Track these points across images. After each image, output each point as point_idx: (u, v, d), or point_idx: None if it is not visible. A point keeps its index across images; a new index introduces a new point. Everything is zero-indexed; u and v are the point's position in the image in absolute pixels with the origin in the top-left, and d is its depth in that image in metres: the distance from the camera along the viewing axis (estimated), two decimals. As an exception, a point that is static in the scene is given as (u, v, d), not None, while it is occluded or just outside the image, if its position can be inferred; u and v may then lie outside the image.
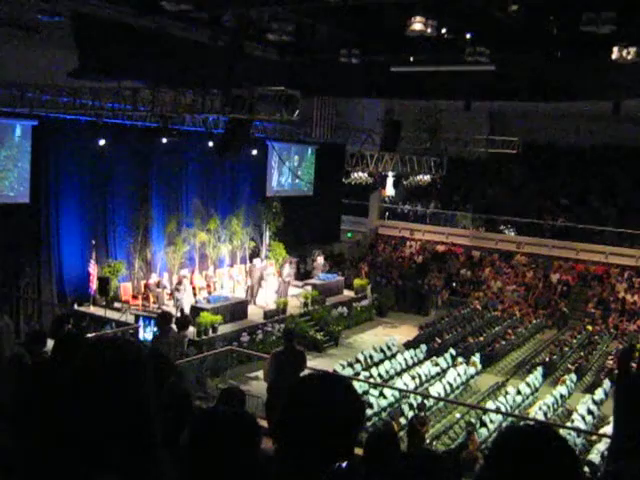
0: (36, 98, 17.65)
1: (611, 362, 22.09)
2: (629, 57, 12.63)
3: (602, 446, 14.25)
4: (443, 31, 13.99)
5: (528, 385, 19.09)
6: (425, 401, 16.62)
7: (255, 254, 27.75)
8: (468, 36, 14.89)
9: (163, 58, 14.82)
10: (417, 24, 12.50)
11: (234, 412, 2.35)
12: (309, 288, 25.86)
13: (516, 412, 17.08)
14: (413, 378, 18.92)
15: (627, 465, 2.14)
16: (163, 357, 5.33)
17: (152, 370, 2.07)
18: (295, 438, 1.98)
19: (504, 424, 15.44)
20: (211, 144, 21.22)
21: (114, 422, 1.89)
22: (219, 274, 24.87)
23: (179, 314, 18.50)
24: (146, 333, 19.49)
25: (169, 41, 14.85)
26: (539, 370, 20.64)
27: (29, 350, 7.13)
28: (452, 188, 36.60)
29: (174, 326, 11.60)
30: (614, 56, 12.78)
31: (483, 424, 15.32)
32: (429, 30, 12.64)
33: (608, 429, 15.34)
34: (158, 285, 22.57)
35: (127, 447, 1.89)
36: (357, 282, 28.77)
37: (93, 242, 21.18)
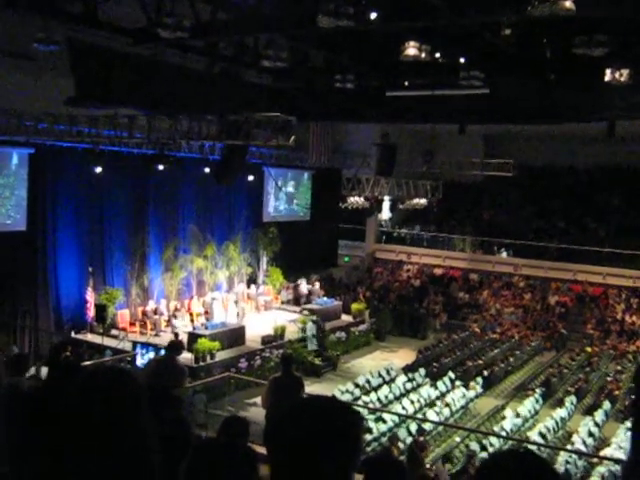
0: (33, 126, 17.69)
1: (611, 383, 21.99)
2: (622, 79, 12.71)
3: (603, 468, 14.15)
4: (437, 55, 14.09)
5: (528, 408, 18.98)
6: (424, 425, 16.50)
7: (252, 280, 27.70)
8: (462, 60, 14.99)
9: (159, 85, 14.86)
10: (411, 49, 12.59)
11: (232, 443, 2.32)
12: (307, 313, 25.80)
13: (516, 435, 16.96)
14: (412, 402, 18.81)
15: None
16: (164, 388, 5.28)
17: (149, 401, 2.05)
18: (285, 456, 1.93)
19: (504, 448, 15.33)
20: (207, 170, 21.24)
21: (111, 455, 1.87)
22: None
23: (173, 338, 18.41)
24: (143, 360, 19.38)
25: (165, 68, 14.91)
26: (538, 392, 20.54)
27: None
28: (449, 211, 36.68)
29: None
30: (607, 78, 12.86)
31: (483, 448, 15.19)
32: (423, 55, 12.73)
33: (609, 451, 15.26)
34: (155, 312, 22.52)
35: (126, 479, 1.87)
36: (355, 307, 28.66)
37: (90, 269, 21.16)
